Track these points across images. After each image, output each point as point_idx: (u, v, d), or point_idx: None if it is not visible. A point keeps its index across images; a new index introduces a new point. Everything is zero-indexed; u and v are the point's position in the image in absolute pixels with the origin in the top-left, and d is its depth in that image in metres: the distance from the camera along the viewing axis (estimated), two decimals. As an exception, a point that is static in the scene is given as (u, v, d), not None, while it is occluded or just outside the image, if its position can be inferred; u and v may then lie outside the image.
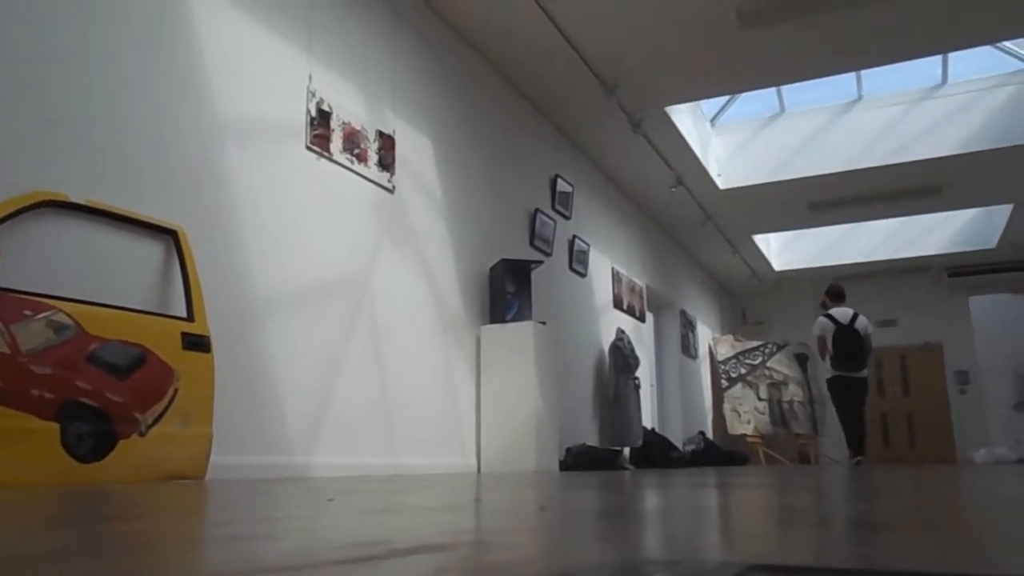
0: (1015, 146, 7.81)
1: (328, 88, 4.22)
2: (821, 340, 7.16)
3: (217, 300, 3.27)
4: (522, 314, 5.59)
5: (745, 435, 11.26)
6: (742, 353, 11.86)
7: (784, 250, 12.32)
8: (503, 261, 5.61)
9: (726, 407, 11.38)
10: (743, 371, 11.65)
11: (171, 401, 2.77)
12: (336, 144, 4.22)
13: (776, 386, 11.77)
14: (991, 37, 6.58)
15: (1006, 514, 1.16)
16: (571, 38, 5.74)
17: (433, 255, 5.07)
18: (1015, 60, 7.71)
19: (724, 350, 11.86)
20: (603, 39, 5.84)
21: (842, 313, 7.15)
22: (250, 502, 1.54)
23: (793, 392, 11.36)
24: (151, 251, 3.07)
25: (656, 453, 7.42)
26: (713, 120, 8.87)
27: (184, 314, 3.00)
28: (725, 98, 8.54)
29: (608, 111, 6.79)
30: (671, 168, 8.11)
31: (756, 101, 8.97)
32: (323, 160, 4.13)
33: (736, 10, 5.48)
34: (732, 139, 9.01)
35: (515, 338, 5.30)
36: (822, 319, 7.22)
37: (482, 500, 1.60)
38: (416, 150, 5.01)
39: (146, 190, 3.09)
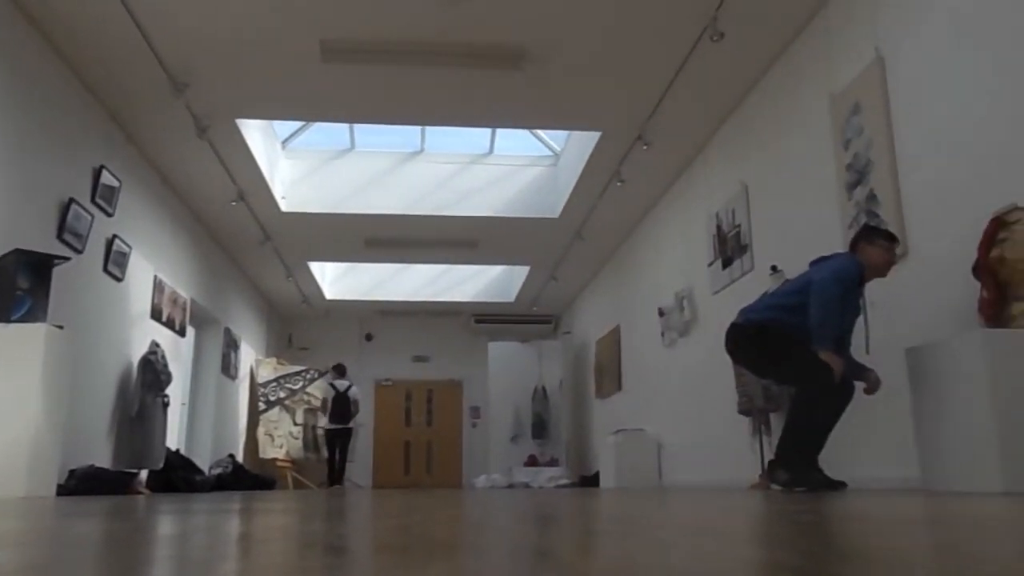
0: (536, 218, 9.21)
1: None
2: (325, 402, 10.62)
3: None
4: (34, 314, 4.86)
5: (276, 459, 11.24)
6: (284, 377, 11.87)
7: (338, 280, 12.73)
8: (17, 251, 4.84)
9: (260, 430, 11.25)
10: (282, 395, 11.65)
11: None
12: None
13: (313, 412, 11.99)
14: (527, 123, 7.72)
15: (458, 531, 1.34)
16: (143, 25, 5.28)
17: (-80, 231, 4.17)
18: (544, 147, 9.14)
19: (266, 372, 11.75)
20: (180, 35, 5.48)
21: (341, 383, 10.60)
22: None
23: (329, 419, 11.67)
24: None
25: (178, 476, 6.99)
26: (285, 142, 8.86)
27: None
28: (300, 123, 8.61)
29: (173, 110, 6.37)
30: (234, 182, 7.88)
31: (329, 132, 9.22)
32: None
33: (320, 41, 5.60)
34: (301, 164, 9.10)
35: (20, 341, 4.58)
36: (327, 386, 10.70)
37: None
38: (-85, 101, 4.10)
39: None
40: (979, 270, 3.35)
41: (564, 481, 11.16)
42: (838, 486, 3.75)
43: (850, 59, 4.79)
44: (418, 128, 8.90)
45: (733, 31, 5.27)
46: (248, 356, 11.52)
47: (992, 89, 3.60)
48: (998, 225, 3.28)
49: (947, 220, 3.86)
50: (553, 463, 12.28)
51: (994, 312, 3.27)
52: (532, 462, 12.35)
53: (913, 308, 4.09)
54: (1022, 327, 3.10)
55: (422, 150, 9.35)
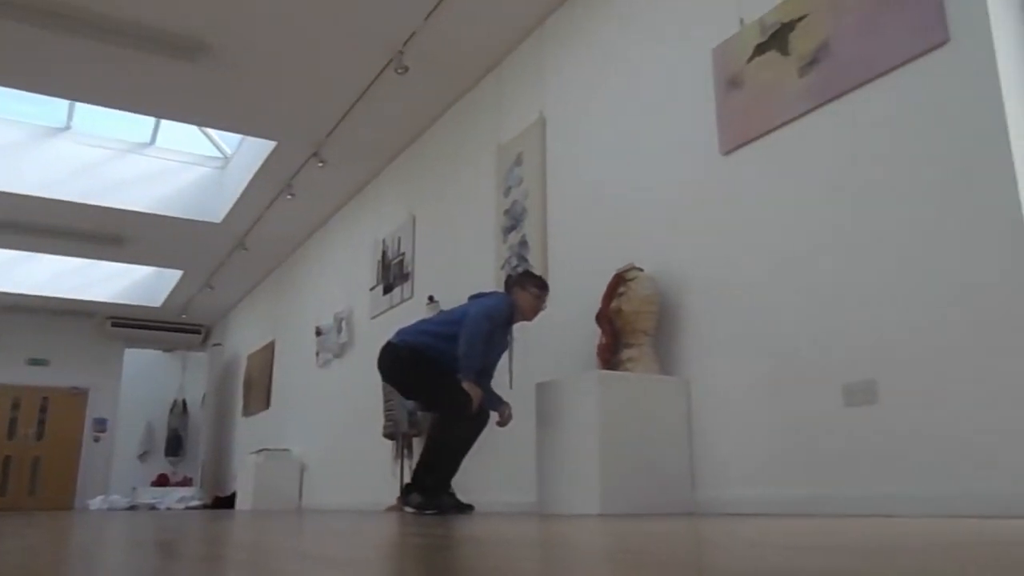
0: (195, 220, 8.60)
1: None
2: None
3: None
4: None
5: None
6: None
7: (-63, 262, 10.69)
8: None
9: None
10: None
11: None
12: None
13: None
14: (197, 120, 7.19)
15: (42, 564, 1.18)
16: None
17: None
18: (213, 147, 8.61)
19: None
20: None
21: None
22: None
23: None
24: None
25: None
26: None
27: None
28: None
29: None
30: None
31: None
32: None
33: (-58, -23, 4.71)
34: (-99, 117, 7.53)
35: None
36: None
37: None
38: None
39: None
40: (600, 318, 3.80)
41: (196, 502, 10.43)
42: (466, 509, 3.97)
43: (518, 114, 5.21)
44: (66, 102, 7.85)
45: (417, 68, 5.46)
46: None
47: (623, 162, 4.15)
48: (619, 280, 3.76)
49: (582, 271, 4.34)
50: (187, 483, 11.43)
51: (609, 356, 3.73)
52: (162, 481, 11.39)
53: (551, 347, 4.51)
54: (628, 371, 3.58)
55: (68, 127, 8.26)
